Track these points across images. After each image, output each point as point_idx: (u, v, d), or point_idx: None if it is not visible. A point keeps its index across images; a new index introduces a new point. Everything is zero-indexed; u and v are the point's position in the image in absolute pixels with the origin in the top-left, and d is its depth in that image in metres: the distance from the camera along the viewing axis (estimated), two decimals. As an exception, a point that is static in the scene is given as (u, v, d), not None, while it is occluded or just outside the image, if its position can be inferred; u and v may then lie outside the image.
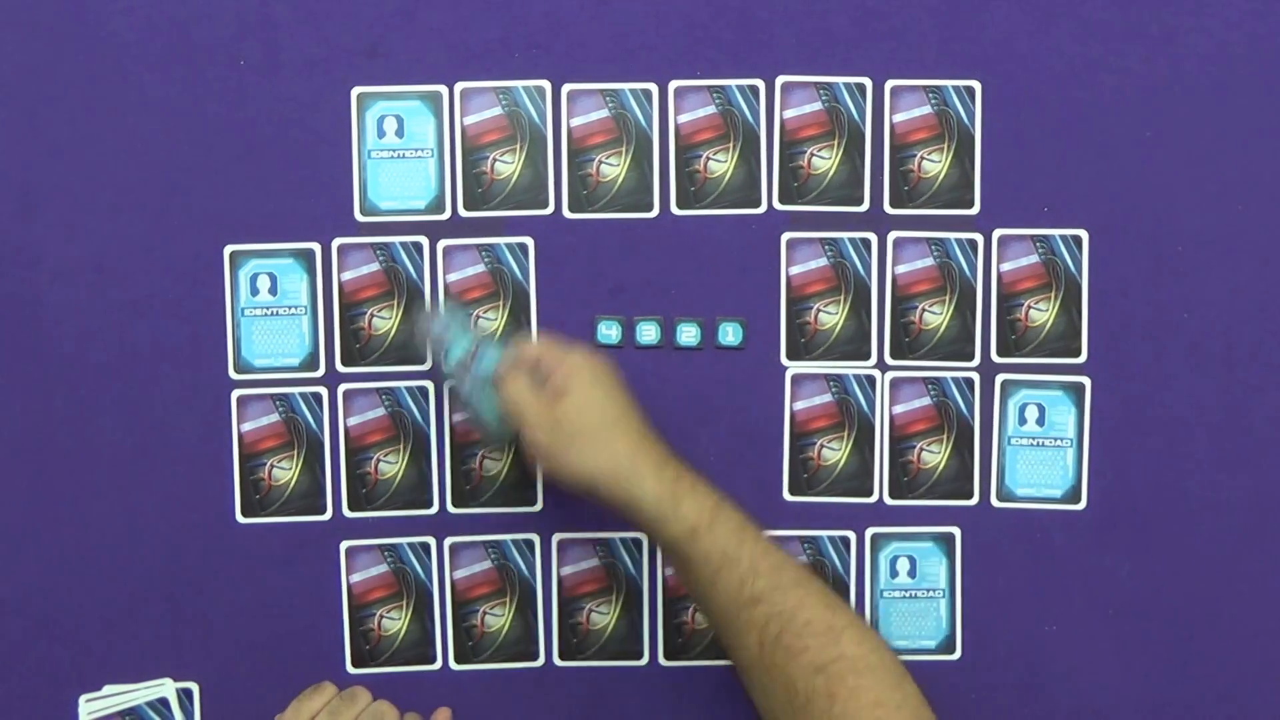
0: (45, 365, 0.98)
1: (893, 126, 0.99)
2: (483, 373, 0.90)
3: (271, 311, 0.98)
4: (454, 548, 0.99)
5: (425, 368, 0.99)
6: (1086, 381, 0.99)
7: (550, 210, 0.99)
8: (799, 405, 0.99)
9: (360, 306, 0.99)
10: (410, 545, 0.99)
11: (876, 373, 0.99)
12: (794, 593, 0.84)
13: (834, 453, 0.99)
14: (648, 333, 0.98)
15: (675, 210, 0.99)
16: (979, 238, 0.99)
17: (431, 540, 0.99)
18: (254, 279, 0.98)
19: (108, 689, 0.98)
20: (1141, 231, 0.98)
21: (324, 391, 0.99)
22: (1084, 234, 0.98)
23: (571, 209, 0.99)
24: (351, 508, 0.99)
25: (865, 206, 0.99)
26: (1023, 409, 0.99)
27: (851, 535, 0.99)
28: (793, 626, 0.83)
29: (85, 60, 0.97)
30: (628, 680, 1.00)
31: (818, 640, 0.83)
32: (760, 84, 0.98)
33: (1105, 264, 0.98)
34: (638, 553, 0.99)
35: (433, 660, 0.99)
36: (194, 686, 0.98)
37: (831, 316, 0.99)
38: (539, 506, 0.99)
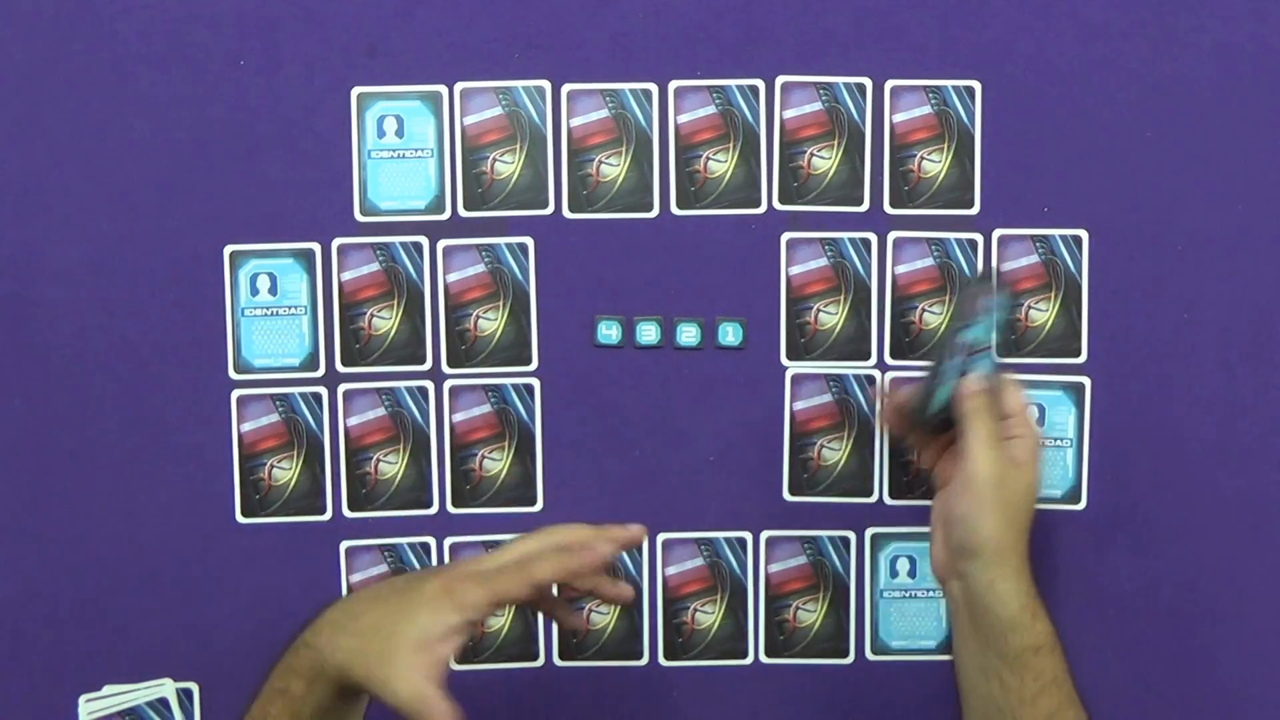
0: (45, 365, 0.98)
1: (893, 126, 0.99)
2: (970, 364, 0.88)
3: (271, 311, 0.98)
4: (454, 548, 0.99)
5: (425, 368, 0.99)
6: (1086, 381, 0.99)
7: (550, 210, 0.99)
8: (799, 405, 0.99)
9: (360, 306, 0.99)
10: (410, 545, 0.99)
11: (876, 373, 0.99)
12: None
13: (834, 453, 0.99)
14: (648, 333, 0.98)
15: (675, 210, 0.99)
16: (979, 238, 0.99)
17: (431, 540, 0.99)
18: (254, 279, 0.98)
19: (108, 689, 0.98)
20: (1141, 231, 0.98)
21: (324, 391, 0.99)
22: (1084, 234, 0.98)
23: (571, 209, 0.99)
24: (351, 508, 0.99)
25: (865, 206, 0.99)
26: (1023, 409, 0.99)
27: (851, 535, 0.99)
28: None
29: (85, 60, 0.97)
30: (628, 680, 1.00)
31: None
32: (760, 84, 0.98)
33: (1105, 264, 0.98)
34: (638, 553, 0.99)
35: (433, 660, 0.99)
36: (194, 686, 0.98)
37: (831, 316, 0.99)
38: (539, 506, 0.99)
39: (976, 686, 0.87)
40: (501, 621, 0.99)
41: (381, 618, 0.80)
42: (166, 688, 0.98)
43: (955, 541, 0.87)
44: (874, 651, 1.00)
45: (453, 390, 0.99)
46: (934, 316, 0.99)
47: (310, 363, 0.99)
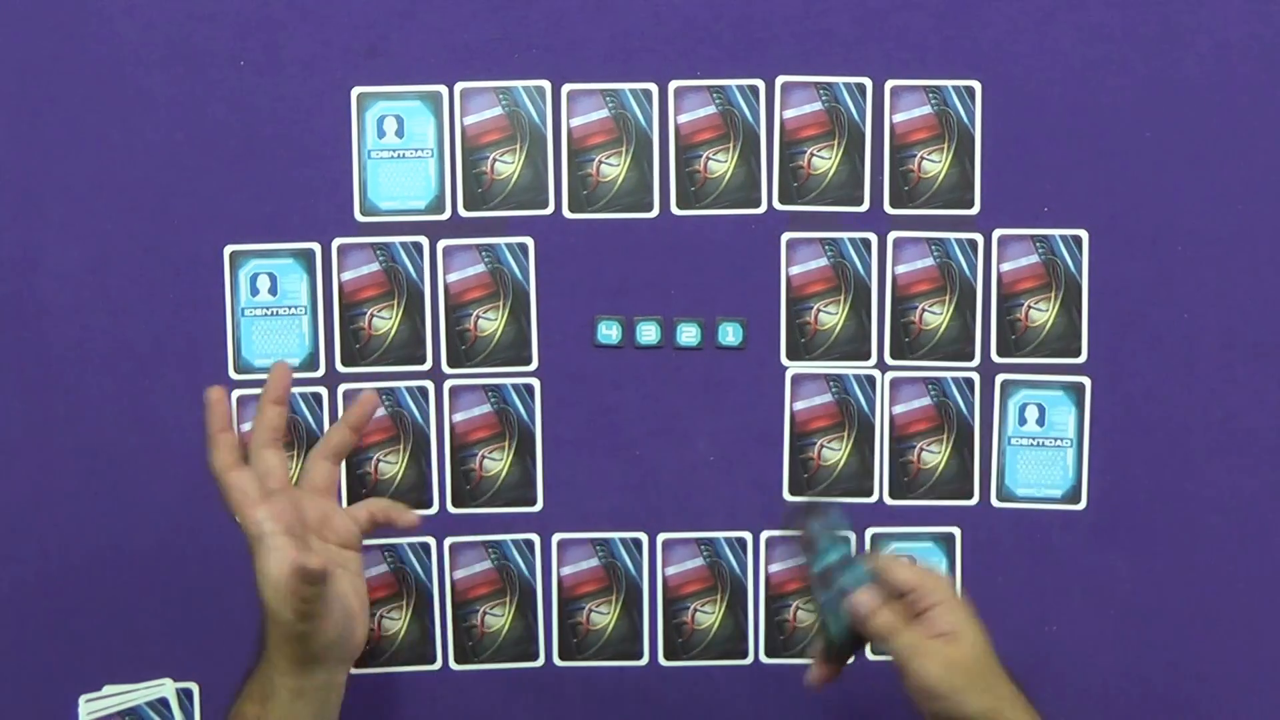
0: (45, 365, 0.97)
1: (893, 126, 0.99)
2: (844, 587, 0.86)
3: (271, 311, 0.98)
4: (454, 548, 0.99)
5: (425, 368, 0.99)
6: (1086, 381, 0.99)
7: (550, 210, 0.99)
8: (799, 405, 0.99)
9: (360, 306, 0.99)
10: (410, 545, 0.99)
11: (876, 373, 0.99)
12: None
13: (834, 453, 0.99)
14: (648, 333, 0.98)
15: (675, 210, 0.99)
16: (979, 238, 0.99)
17: (431, 540, 0.99)
18: (254, 279, 0.98)
19: (108, 689, 0.98)
20: (1141, 231, 0.98)
21: (324, 391, 0.99)
22: (1084, 234, 0.98)
23: (571, 209, 0.98)
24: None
25: (865, 206, 0.99)
26: (1023, 409, 0.99)
27: (852, 535, 0.99)
28: None
29: (85, 60, 0.97)
30: (628, 680, 1.00)
31: None
32: (760, 84, 0.98)
33: (1105, 264, 0.98)
34: (638, 553, 0.99)
35: (432, 660, 0.99)
36: (194, 686, 0.98)
37: (831, 316, 0.99)
38: (539, 506, 0.99)
39: None
40: (502, 621, 0.99)
41: None
42: (166, 688, 0.98)
43: None
44: (874, 651, 1.00)
45: (453, 390, 0.99)
46: (934, 316, 0.99)
47: (310, 363, 0.99)
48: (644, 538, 0.99)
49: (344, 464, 0.99)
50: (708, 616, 0.99)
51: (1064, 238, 0.98)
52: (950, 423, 0.99)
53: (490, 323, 0.99)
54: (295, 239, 0.98)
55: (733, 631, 0.99)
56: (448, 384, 0.99)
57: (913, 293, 0.99)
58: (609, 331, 0.98)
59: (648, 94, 0.98)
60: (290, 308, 0.98)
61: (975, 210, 0.99)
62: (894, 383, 0.99)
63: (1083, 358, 0.99)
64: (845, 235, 0.99)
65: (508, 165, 0.98)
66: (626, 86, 0.98)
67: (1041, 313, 0.99)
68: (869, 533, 0.99)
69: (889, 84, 0.98)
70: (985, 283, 0.99)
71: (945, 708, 0.83)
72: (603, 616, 1.00)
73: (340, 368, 0.99)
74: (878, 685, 1.00)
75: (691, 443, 0.99)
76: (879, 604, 0.85)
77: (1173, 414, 0.98)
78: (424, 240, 0.98)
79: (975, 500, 0.99)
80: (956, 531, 0.99)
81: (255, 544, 0.83)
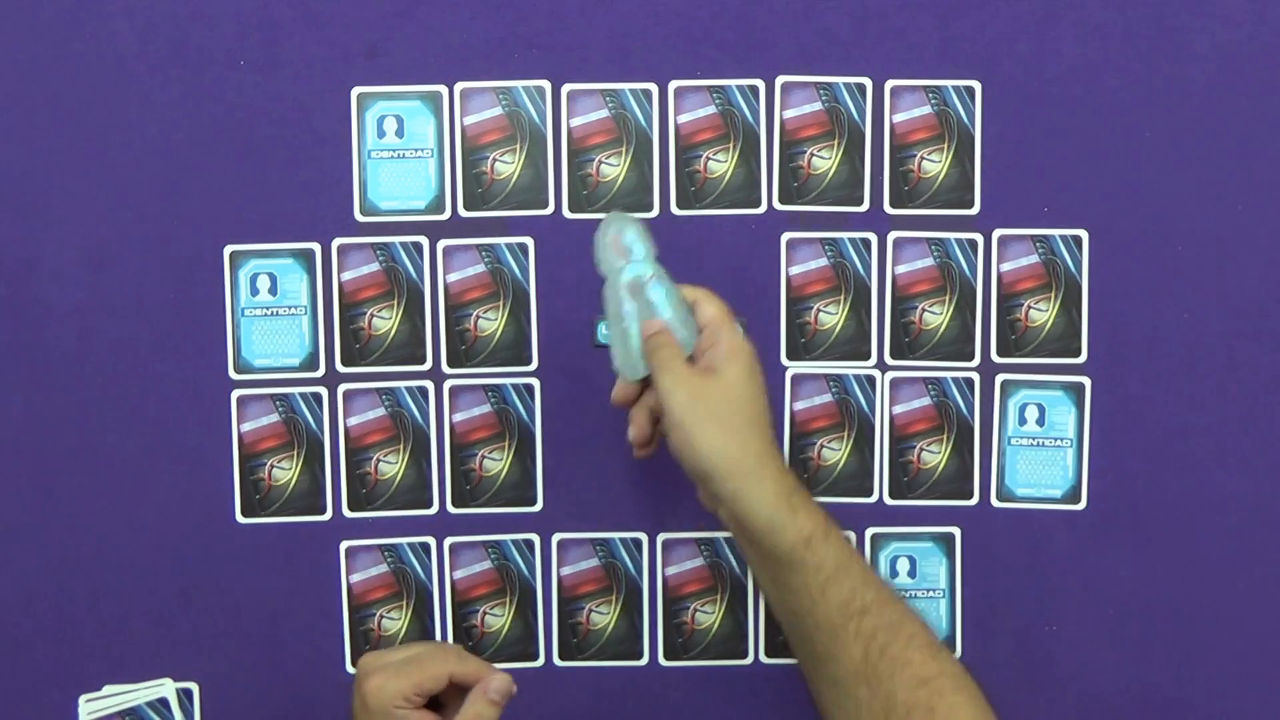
0: (45, 365, 0.98)
1: (893, 126, 0.99)
2: (651, 300, 0.86)
3: (271, 311, 0.98)
4: (454, 548, 0.99)
5: (425, 368, 0.99)
6: (1086, 381, 0.99)
7: (550, 210, 0.99)
8: (799, 405, 0.99)
9: (360, 306, 0.99)
10: (410, 545, 0.99)
11: (876, 373, 0.99)
12: (898, 606, 0.84)
13: (834, 453, 0.99)
14: (648, 333, 0.98)
15: (675, 210, 0.99)
16: (979, 238, 0.99)
17: (431, 540, 0.99)
18: (254, 279, 0.98)
19: (108, 689, 0.98)
20: (1141, 231, 0.98)
21: (324, 391, 0.99)
22: (1084, 234, 0.98)
23: (571, 209, 0.99)
24: (351, 508, 0.99)
25: (865, 206, 0.99)
26: (1023, 409, 0.99)
27: (851, 535, 0.99)
28: (899, 639, 0.83)
29: (85, 60, 0.97)
30: (628, 680, 1.00)
31: (921, 654, 0.83)
32: (760, 84, 0.98)
33: (1105, 264, 0.98)
34: (638, 553, 0.99)
35: (433, 660, 0.99)
36: (194, 686, 0.98)
37: (831, 316, 0.99)
38: (539, 506, 0.99)
39: (776, 601, 0.86)
40: (502, 621, 0.99)
41: None
42: (166, 688, 0.98)
43: (689, 471, 0.85)
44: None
45: (453, 390, 0.99)
46: (934, 316, 0.99)
47: (310, 363, 0.99)
48: (644, 538, 0.99)
49: (344, 464, 0.99)
50: (708, 616, 1.00)
51: (1064, 238, 0.98)
52: (950, 423, 0.99)
53: (490, 323, 0.99)
54: (295, 239, 0.98)
55: (733, 631, 0.99)
56: (448, 384, 0.99)
57: (913, 293, 0.99)
58: (609, 332, 0.98)
59: (648, 94, 0.98)
60: (290, 308, 0.99)
61: (975, 210, 0.99)
62: (894, 383, 0.99)
63: (1083, 358, 0.99)
64: (845, 235, 0.99)
65: (508, 165, 0.99)
66: (626, 86, 0.98)
67: (1041, 313, 0.99)
68: (869, 533, 0.99)
69: (889, 84, 0.98)
70: (985, 283, 0.99)
71: (683, 451, 0.83)
72: (603, 616, 1.00)
73: (340, 368, 0.99)
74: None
75: (691, 443, 0.99)
76: (663, 329, 0.85)
77: (1173, 414, 0.98)
78: (424, 240, 0.99)
79: (975, 500, 0.99)
80: (956, 531, 0.99)
81: None
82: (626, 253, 0.87)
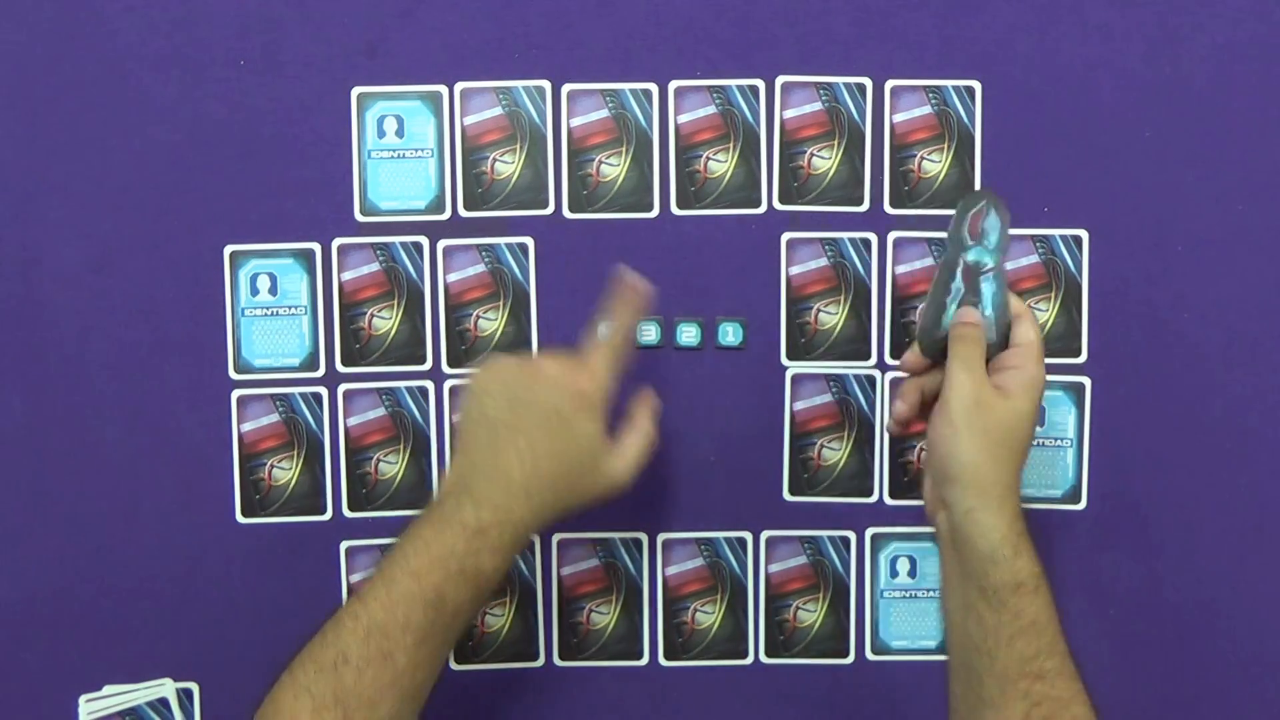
0: (45, 365, 0.98)
1: (893, 126, 0.99)
2: (979, 289, 0.87)
3: (271, 311, 0.98)
4: (454, 548, 0.99)
5: (425, 368, 0.99)
6: (1086, 381, 0.99)
7: (550, 210, 0.99)
8: (799, 405, 0.99)
9: (360, 306, 0.99)
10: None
11: (876, 373, 0.99)
12: (1073, 685, 0.83)
13: (834, 453, 0.99)
14: (648, 333, 0.98)
15: (675, 210, 0.99)
16: (979, 238, 0.99)
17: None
18: (254, 279, 0.98)
19: (108, 689, 0.98)
20: (1141, 231, 0.98)
21: (324, 391, 0.99)
22: (1084, 234, 0.98)
23: (571, 209, 0.99)
24: (351, 508, 0.99)
25: (865, 206, 0.99)
26: (1023, 409, 0.99)
27: (851, 535, 0.99)
28: (1063, 716, 0.81)
29: (85, 60, 0.97)
30: (628, 680, 1.00)
31: None
32: (760, 84, 0.98)
33: (1105, 264, 0.98)
34: (638, 553, 0.99)
35: (433, 660, 0.99)
36: (194, 686, 0.98)
37: (831, 316, 0.99)
38: (539, 506, 0.99)
39: (957, 624, 0.85)
40: (502, 621, 0.99)
41: (555, 462, 0.83)
42: (166, 688, 0.98)
43: (934, 467, 0.85)
44: (874, 651, 1.00)
45: (453, 390, 0.99)
46: (934, 316, 0.99)
47: (310, 363, 0.99)
48: (644, 538, 0.99)
49: (344, 464, 0.99)
50: (708, 616, 1.00)
51: (1064, 238, 0.98)
52: (950, 423, 0.99)
53: (490, 323, 0.99)
54: (295, 239, 0.98)
55: (733, 631, 0.99)
56: (448, 384, 0.99)
57: (913, 293, 0.99)
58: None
59: (648, 94, 0.98)
60: (290, 308, 0.99)
61: (975, 210, 0.99)
62: (894, 383, 0.99)
63: (1083, 358, 0.99)
64: (845, 235, 0.99)
65: (508, 165, 0.99)
66: (626, 86, 0.98)
67: (1041, 313, 0.99)
68: (869, 533, 0.99)
69: (889, 84, 0.98)
70: (985, 283, 0.99)
71: (941, 445, 0.84)
72: (603, 616, 1.00)
73: (340, 368, 0.99)
74: (878, 685, 1.00)
75: (691, 443, 0.99)
76: (979, 324, 0.86)
77: (1173, 414, 0.98)
78: (424, 240, 0.99)
79: (975, 500, 0.99)
80: (956, 531, 0.99)
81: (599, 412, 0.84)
82: (981, 235, 0.88)
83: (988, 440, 0.83)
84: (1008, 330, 0.89)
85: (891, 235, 0.99)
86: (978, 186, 0.93)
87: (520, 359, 0.86)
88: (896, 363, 0.99)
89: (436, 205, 0.99)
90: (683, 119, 0.98)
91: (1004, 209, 0.89)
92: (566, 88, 0.98)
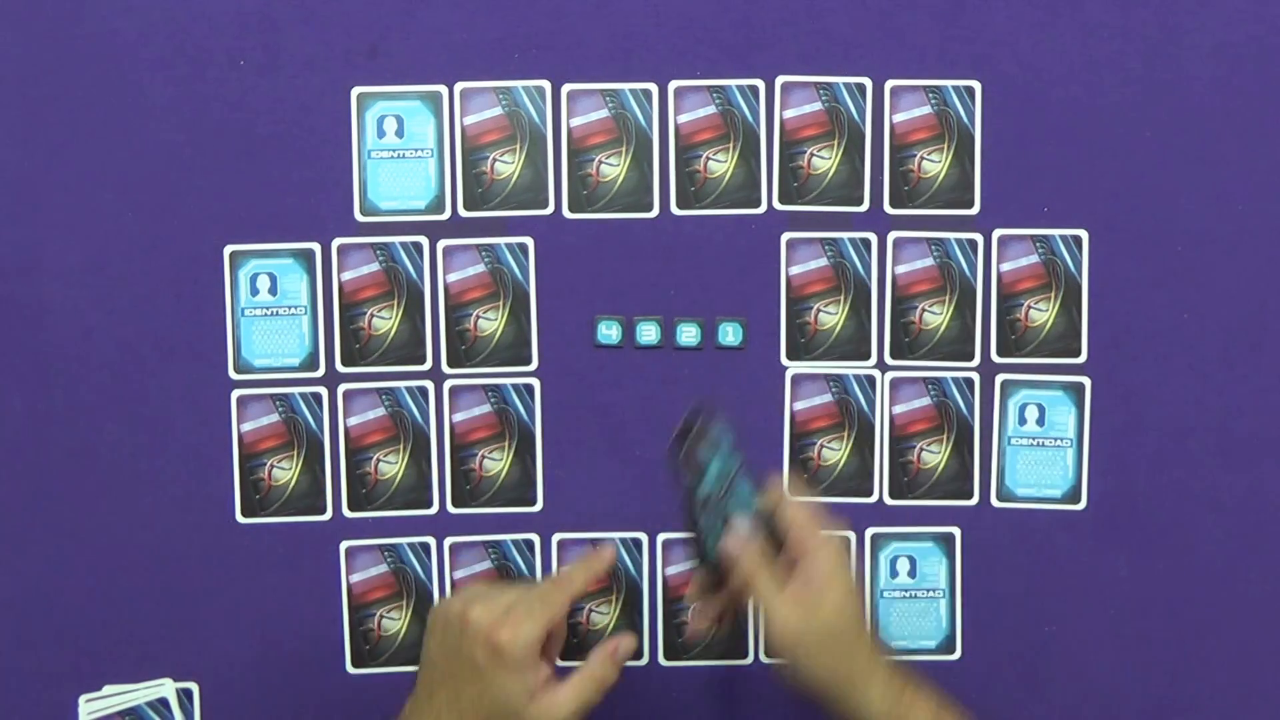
0: (45, 365, 0.98)
1: (893, 126, 0.99)
2: (727, 513, 0.86)
3: (271, 311, 0.98)
4: (454, 548, 0.99)
5: (425, 368, 0.99)
6: (1086, 381, 0.99)
7: (550, 210, 0.99)
8: (799, 405, 0.99)
9: (360, 306, 0.99)
10: (410, 545, 0.99)
11: (876, 373, 0.99)
12: None
13: (834, 453, 0.99)
14: (648, 333, 0.98)
15: (675, 210, 0.99)
16: (979, 238, 0.99)
17: (431, 540, 0.99)
18: (254, 279, 0.98)
19: (108, 689, 0.98)
20: (1141, 231, 0.98)
21: (324, 391, 0.99)
22: (1084, 234, 0.98)
23: (571, 209, 0.99)
24: (351, 508, 0.99)
25: (865, 206, 0.99)
26: (1023, 409, 0.99)
27: (851, 535, 0.99)
28: None
29: (85, 60, 0.97)
30: (628, 680, 0.99)
31: None
32: (760, 84, 0.98)
33: (1105, 264, 0.98)
34: (638, 553, 0.99)
35: (433, 660, 0.99)
36: (194, 686, 0.98)
37: (831, 316, 0.99)
38: (539, 506, 0.99)
39: None
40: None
41: (475, 714, 0.82)
42: (166, 688, 0.98)
43: (796, 691, 0.84)
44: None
45: (453, 390, 0.99)
46: (934, 316, 0.99)
47: (310, 363, 0.99)
48: (644, 538, 0.99)
49: (344, 464, 0.99)
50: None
51: (1064, 238, 0.98)
52: (950, 423, 0.99)
53: (490, 323, 0.99)
54: (295, 239, 0.98)
55: (732, 631, 0.99)
56: (448, 384, 0.99)
57: (913, 293, 0.99)
58: (609, 331, 0.98)
59: (648, 94, 0.98)
60: (290, 308, 0.99)
61: (975, 210, 0.99)
62: (894, 383, 0.99)
63: (1083, 358, 0.99)
64: (845, 235, 0.99)
65: (508, 165, 0.99)
66: (626, 86, 0.98)
67: (1041, 313, 0.99)
68: (869, 533, 0.99)
69: (889, 84, 0.98)
70: (985, 283, 0.99)
71: (793, 666, 0.83)
72: (602, 616, 1.00)
73: (340, 368, 0.99)
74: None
75: (691, 443, 0.99)
76: (746, 545, 0.85)
77: (1173, 414, 0.98)
78: (424, 240, 0.98)
79: (975, 500, 0.99)
80: (956, 531, 0.99)
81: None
82: (704, 466, 0.86)
83: (829, 649, 0.83)
84: (771, 515, 0.87)
85: (891, 235, 0.99)
86: (679, 427, 0.87)
87: (466, 600, 0.84)
88: (898, 362, 0.99)
89: (436, 205, 0.99)
90: (683, 119, 0.98)
91: (715, 422, 0.87)
92: (566, 88, 0.98)
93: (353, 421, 0.99)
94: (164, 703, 0.98)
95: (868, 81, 0.98)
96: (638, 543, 0.99)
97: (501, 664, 0.81)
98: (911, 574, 1.00)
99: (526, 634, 0.82)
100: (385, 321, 0.99)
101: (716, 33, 0.98)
